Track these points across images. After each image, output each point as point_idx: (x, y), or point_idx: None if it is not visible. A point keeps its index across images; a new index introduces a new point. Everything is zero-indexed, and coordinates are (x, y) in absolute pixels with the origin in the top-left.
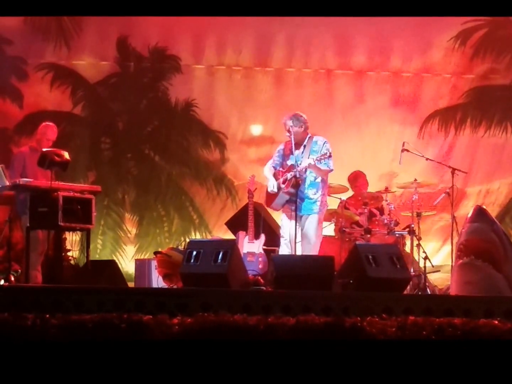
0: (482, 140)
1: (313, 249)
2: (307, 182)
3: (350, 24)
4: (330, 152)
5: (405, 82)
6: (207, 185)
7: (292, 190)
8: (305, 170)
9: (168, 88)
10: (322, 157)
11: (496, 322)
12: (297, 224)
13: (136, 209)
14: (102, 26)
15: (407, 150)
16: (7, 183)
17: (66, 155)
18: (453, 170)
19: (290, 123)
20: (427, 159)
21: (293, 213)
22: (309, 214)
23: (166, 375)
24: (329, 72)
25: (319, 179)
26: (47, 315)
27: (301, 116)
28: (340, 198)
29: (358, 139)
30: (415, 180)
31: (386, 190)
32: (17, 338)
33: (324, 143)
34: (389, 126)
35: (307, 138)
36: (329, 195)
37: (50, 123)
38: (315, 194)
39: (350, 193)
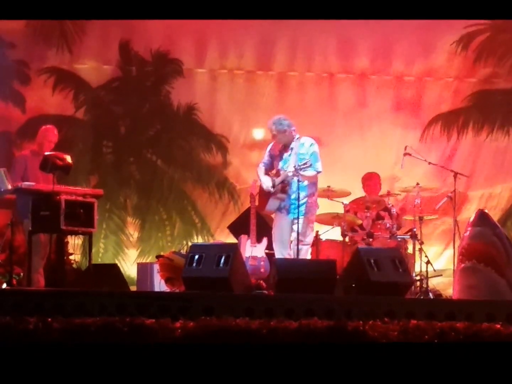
0: (484, 144)
1: (303, 253)
2: (294, 186)
3: (352, 28)
4: (310, 160)
5: (408, 86)
6: (209, 189)
7: (281, 195)
8: (291, 175)
9: (170, 92)
10: (303, 166)
11: (498, 326)
12: (291, 227)
13: (138, 212)
14: (104, 30)
15: (409, 154)
16: (9, 187)
17: (68, 158)
18: (455, 174)
19: (273, 128)
20: (429, 163)
21: (284, 219)
22: (295, 217)
23: (168, 380)
24: (332, 76)
25: (306, 182)
26: (49, 319)
27: (285, 120)
28: (342, 202)
29: (360, 143)
30: (417, 184)
31: (388, 194)
32: (19, 341)
33: (310, 145)
34: (392, 130)
35: (295, 140)
36: (331, 199)
37: (50, 126)
38: (303, 197)
39: (352, 197)
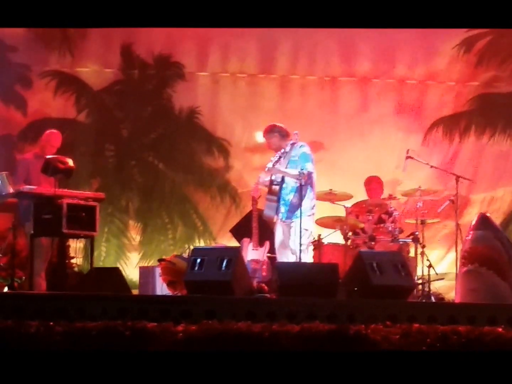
0: (486, 148)
1: (300, 257)
2: (288, 187)
3: (354, 31)
4: (281, 154)
5: (410, 90)
6: (211, 193)
7: (272, 197)
8: (282, 176)
9: (172, 96)
10: (275, 161)
11: (500, 329)
12: (288, 229)
13: (140, 216)
14: (106, 34)
15: (411, 158)
16: (11, 190)
17: (70, 162)
18: (457, 177)
19: (266, 137)
20: (431, 166)
21: (280, 221)
22: (291, 220)
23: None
24: (334, 80)
25: (294, 183)
26: (51, 323)
27: (275, 126)
28: (344, 206)
29: (362, 146)
30: (419, 187)
31: (390, 197)
32: (21, 345)
33: (300, 146)
34: (394, 134)
35: (288, 145)
36: (333, 202)
37: (55, 130)
38: (296, 199)
39: (353, 200)
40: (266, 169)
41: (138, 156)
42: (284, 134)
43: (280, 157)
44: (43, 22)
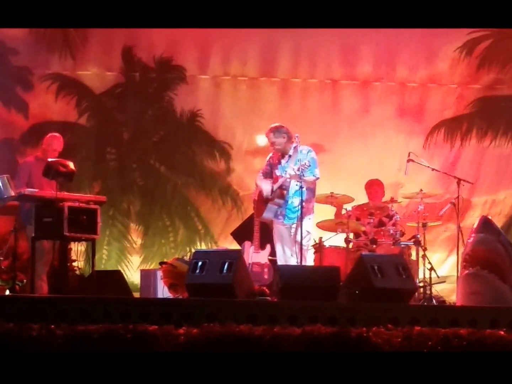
0: (488, 151)
1: (299, 259)
2: (291, 191)
3: (356, 34)
4: (309, 161)
5: (411, 92)
6: (212, 196)
7: (279, 200)
8: (289, 180)
9: (174, 99)
10: (302, 167)
11: (502, 332)
12: (289, 232)
13: (142, 219)
14: (107, 37)
15: (413, 161)
16: (12, 193)
17: (71, 165)
18: (459, 180)
19: (272, 136)
20: (433, 169)
21: (281, 225)
22: (292, 223)
23: None
24: (335, 83)
25: (303, 187)
26: (53, 326)
27: (283, 127)
28: (346, 209)
29: (363, 149)
30: (421, 190)
31: (392, 200)
32: (22, 348)
33: (308, 152)
34: (395, 137)
35: (292, 148)
36: (334, 206)
37: (56, 134)
38: (299, 202)
39: (354, 203)
40: (288, 175)
41: (140, 159)
42: (290, 136)
43: (305, 163)
44: (44, 22)
